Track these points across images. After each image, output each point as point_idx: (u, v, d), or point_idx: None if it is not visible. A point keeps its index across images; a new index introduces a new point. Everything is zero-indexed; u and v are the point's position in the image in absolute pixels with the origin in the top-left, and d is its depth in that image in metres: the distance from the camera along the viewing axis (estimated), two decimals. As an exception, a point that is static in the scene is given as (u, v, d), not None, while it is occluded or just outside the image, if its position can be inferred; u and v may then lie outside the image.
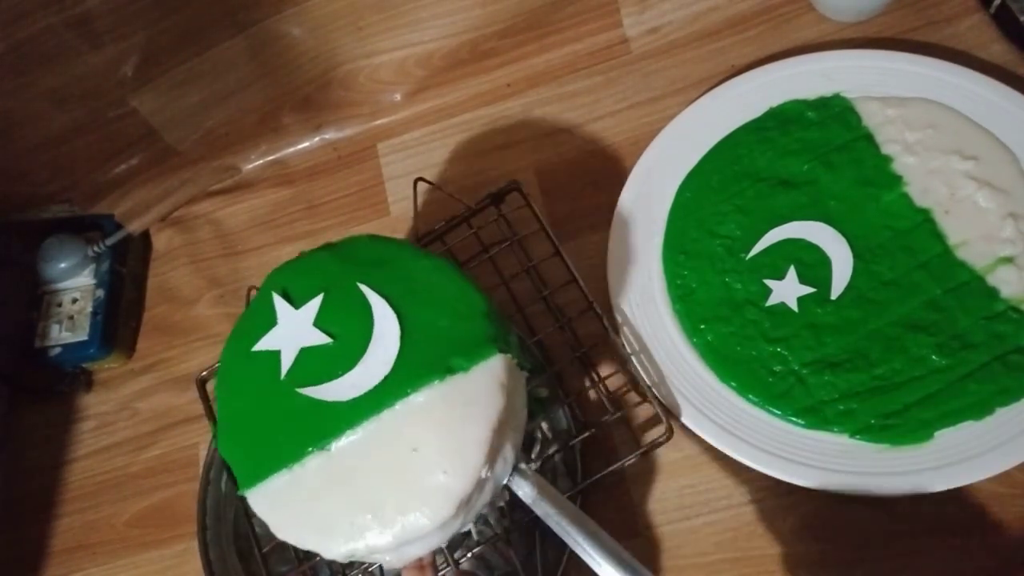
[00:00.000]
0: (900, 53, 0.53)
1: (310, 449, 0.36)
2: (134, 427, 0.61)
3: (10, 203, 0.65)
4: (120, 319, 0.62)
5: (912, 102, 0.52)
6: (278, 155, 0.67)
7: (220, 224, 0.66)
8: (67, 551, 0.58)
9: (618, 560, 0.36)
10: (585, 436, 0.47)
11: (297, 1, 0.59)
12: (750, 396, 0.47)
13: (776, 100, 0.54)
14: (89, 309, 0.61)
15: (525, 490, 0.38)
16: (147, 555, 0.56)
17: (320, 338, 0.39)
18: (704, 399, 0.47)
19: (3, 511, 0.60)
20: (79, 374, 0.62)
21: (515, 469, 0.38)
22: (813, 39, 0.58)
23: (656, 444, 0.45)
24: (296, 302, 0.40)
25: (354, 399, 0.37)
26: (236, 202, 0.67)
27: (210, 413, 0.52)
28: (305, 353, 0.39)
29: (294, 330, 0.39)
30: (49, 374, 0.61)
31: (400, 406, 0.36)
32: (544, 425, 0.50)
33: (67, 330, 0.60)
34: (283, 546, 0.47)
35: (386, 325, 0.38)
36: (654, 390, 0.47)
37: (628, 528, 0.48)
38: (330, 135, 0.66)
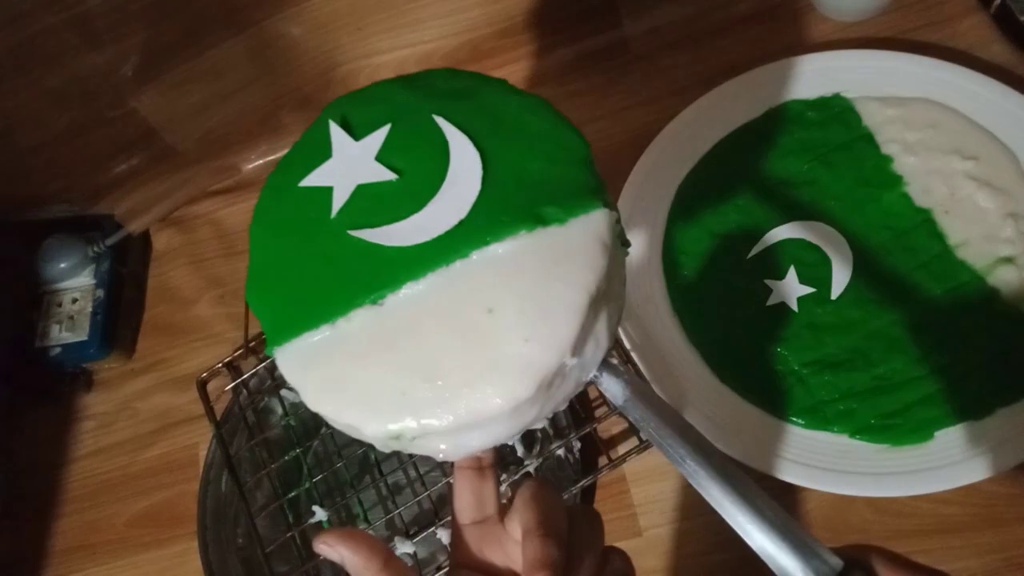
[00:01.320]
0: (900, 53, 0.53)
1: (359, 302, 0.30)
2: (134, 427, 0.61)
3: (10, 203, 0.65)
4: (120, 319, 0.62)
5: (912, 102, 0.52)
6: (278, 155, 0.67)
7: (220, 224, 0.66)
8: (67, 551, 0.58)
9: (737, 487, 0.29)
10: (585, 433, 0.47)
11: (297, 1, 0.59)
12: (750, 396, 0.47)
13: (776, 100, 0.54)
14: (89, 309, 0.61)
15: (615, 389, 0.31)
16: (147, 555, 0.56)
17: (383, 173, 0.32)
18: (704, 399, 0.47)
19: (3, 511, 0.60)
20: (79, 374, 0.62)
21: (604, 362, 0.31)
22: (813, 39, 0.58)
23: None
24: (357, 133, 0.34)
25: (419, 244, 0.30)
26: (236, 202, 0.67)
27: (211, 413, 0.52)
28: (362, 190, 0.32)
29: (352, 164, 0.33)
30: (49, 374, 0.61)
31: (477, 256, 0.30)
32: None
33: (67, 330, 0.60)
34: (285, 546, 0.48)
35: (465, 162, 0.32)
36: (655, 387, 0.47)
37: (628, 528, 0.48)
38: (330, 135, 0.66)
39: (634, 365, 0.48)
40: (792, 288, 0.49)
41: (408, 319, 0.30)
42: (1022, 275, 0.46)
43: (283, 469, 0.50)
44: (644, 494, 0.49)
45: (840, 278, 0.48)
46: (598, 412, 0.51)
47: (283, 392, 0.53)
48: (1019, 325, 0.45)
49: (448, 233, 0.30)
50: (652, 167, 0.55)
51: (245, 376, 0.54)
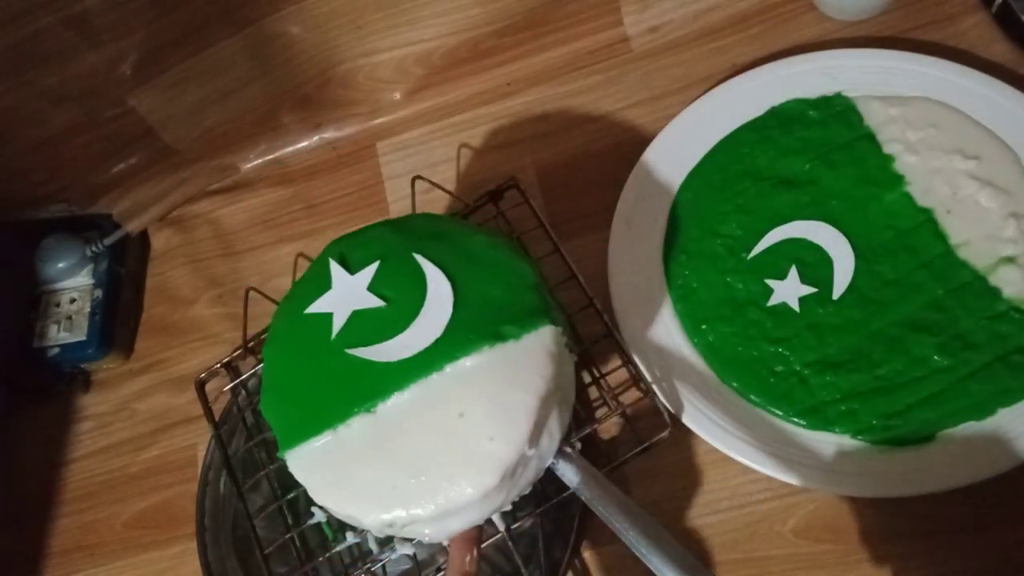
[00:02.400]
0: (902, 52, 0.53)
1: (355, 410, 0.36)
2: (132, 427, 0.60)
3: (8, 203, 0.64)
4: (118, 319, 0.62)
5: (914, 101, 0.52)
6: (277, 154, 0.67)
7: (219, 224, 0.66)
8: (65, 552, 0.58)
9: (670, 555, 0.35)
10: (585, 434, 0.47)
11: (296, 0, 0.59)
12: (751, 397, 0.47)
13: (777, 99, 0.54)
14: (87, 309, 0.61)
15: (569, 474, 0.38)
16: (146, 556, 0.56)
17: (373, 301, 0.39)
18: (705, 399, 0.47)
19: (1, 511, 0.59)
20: (77, 374, 0.62)
21: (559, 450, 0.38)
22: (815, 38, 0.57)
23: (657, 444, 0.45)
24: (352, 268, 0.40)
25: (403, 360, 0.36)
26: (235, 201, 0.66)
27: (209, 414, 0.52)
28: (357, 316, 0.39)
29: (348, 294, 0.39)
30: (47, 374, 0.61)
31: (450, 369, 0.36)
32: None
33: (65, 330, 0.60)
34: (284, 547, 0.47)
35: (439, 291, 0.38)
36: (655, 389, 0.47)
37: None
38: (329, 134, 0.66)
39: (634, 365, 0.48)
40: (793, 288, 0.49)
41: (396, 424, 0.36)
42: (1024, 275, 0.46)
43: (282, 470, 0.49)
44: (644, 495, 0.48)
45: (842, 278, 0.48)
46: (598, 413, 0.51)
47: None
48: (1021, 325, 0.45)
49: (427, 350, 0.36)
50: (652, 167, 0.54)
51: (244, 376, 0.54)
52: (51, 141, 0.61)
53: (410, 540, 0.44)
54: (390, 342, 0.37)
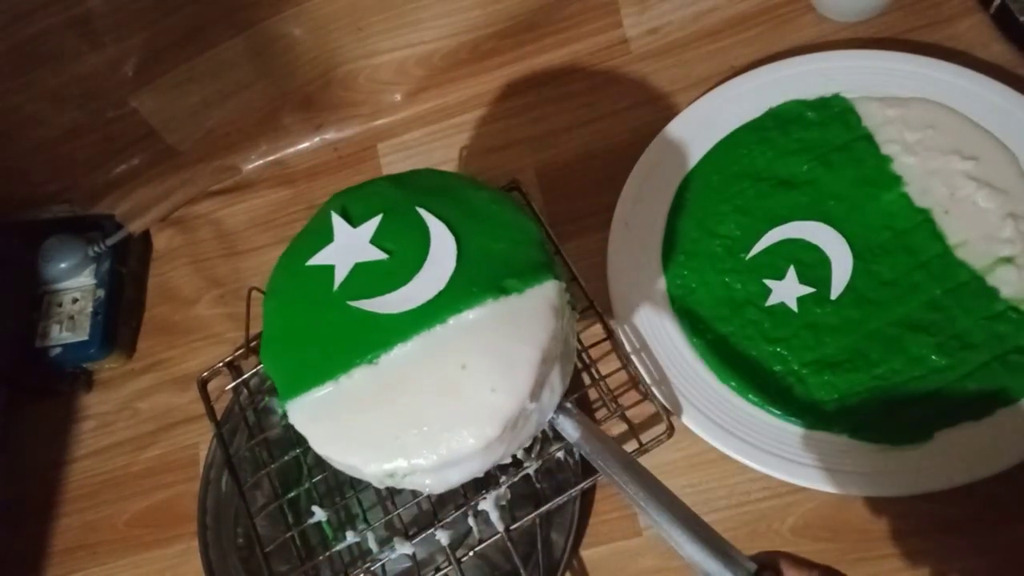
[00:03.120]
0: (900, 53, 0.53)
1: (357, 361, 0.36)
2: (134, 427, 0.61)
3: (10, 203, 0.65)
4: (120, 319, 0.62)
5: (912, 102, 0.52)
6: (278, 155, 0.67)
7: (220, 224, 0.66)
8: (67, 551, 0.58)
9: (669, 506, 0.34)
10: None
11: (297, 1, 0.59)
12: (750, 396, 0.47)
13: (776, 100, 0.54)
14: (89, 309, 0.61)
15: (568, 428, 0.38)
16: (147, 555, 0.56)
17: (376, 254, 0.39)
18: (704, 399, 0.47)
19: (3, 511, 0.60)
20: (79, 374, 0.62)
21: (560, 405, 0.38)
22: (813, 39, 0.58)
23: (656, 443, 0.45)
24: (354, 222, 0.40)
25: (406, 312, 0.36)
26: (236, 202, 0.67)
27: (211, 413, 0.52)
28: (359, 268, 0.38)
29: (350, 246, 0.39)
30: (49, 374, 0.61)
31: (453, 321, 0.36)
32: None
33: (67, 330, 0.60)
34: (285, 546, 0.48)
35: (443, 244, 0.38)
36: (654, 389, 0.47)
37: (628, 528, 0.48)
38: (330, 135, 0.66)
39: (634, 365, 0.48)
40: (792, 288, 0.49)
41: (399, 375, 0.36)
42: (1022, 275, 0.46)
43: (283, 469, 0.50)
44: (644, 494, 0.48)
45: (840, 278, 0.48)
46: (598, 415, 0.51)
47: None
48: (1019, 325, 0.45)
49: (430, 302, 0.37)
50: (652, 167, 0.55)
51: (245, 376, 0.54)
52: (53, 142, 0.62)
53: (409, 539, 0.44)
54: (393, 294, 0.37)
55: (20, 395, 0.62)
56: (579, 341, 0.50)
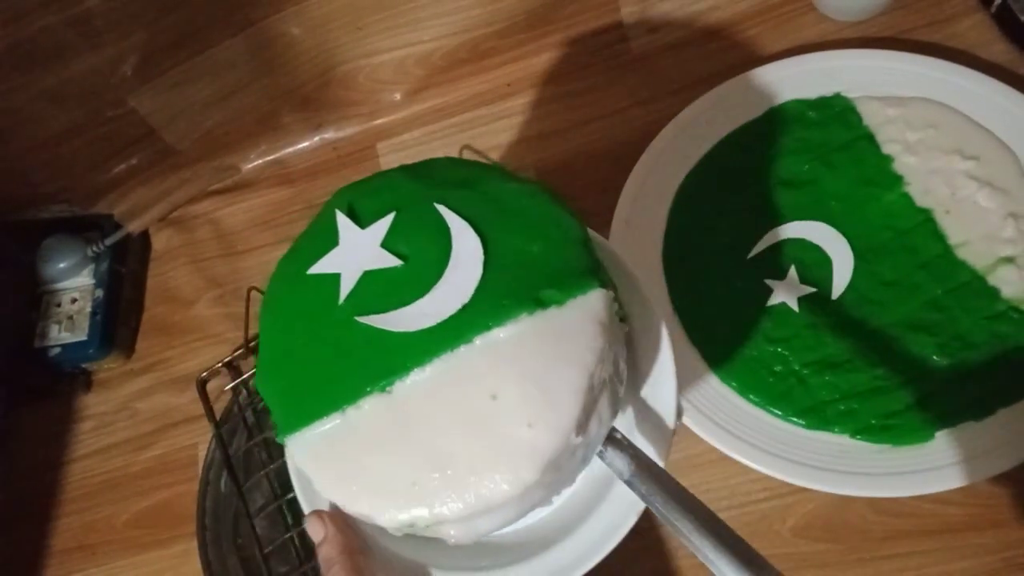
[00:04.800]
0: (901, 53, 0.53)
1: (368, 389, 0.30)
2: (133, 427, 0.60)
3: (9, 203, 0.64)
4: (119, 319, 0.62)
5: (913, 102, 0.52)
6: (278, 155, 0.67)
7: (219, 224, 0.66)
8: (66, 551, 0.58)
9: (739, 558, 0.28)
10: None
11: (296, 1, 0.59)
12: (751, 396, 0.47)
13: (777, 100, 0.54)
14: (88, 309, 0.61)
15: (619, 464, 0.31)
16: (147, 555, 0.56)
17: (388, 260, 0.33)
18: (705, 399, 0.47)
19: (2, 511, 0.60)
20: (78, 374, 0.62)
21: (609, 437, 0.32)
22: (814, 39, 0.57)
23: (656, 444, 0.45)
24: (362, 221, 0.34)
25: (424, 330, 0.30)
26: (235, 202, 0.66)
27: (210, 413, 0.52)
28: (369, 277, 0.33)
29: (358, 251, 0.33)
30: (48, 374, 0.61)
31: (479, 341, 0.30)
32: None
33: (66, 330, 0.60)
34: (284, 547, 0.47)
35: (467, 248, 0.32)
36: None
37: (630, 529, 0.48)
38: (330, 134, 0.66)
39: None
40: (793, 288, 0.49)
41: (416, 406, 0.30)
42: (1023, 275, 0.46)
43: (282, 469, 0.50)
44: (644, 494, 0.48)
45: (841, 278, 0.48)
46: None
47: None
48: (1020, 325, 0.45)
49: (452, 318, 0.30)
50: (652, 167, 0.54)
51: (245, 376, 0.54)
52: (52, 141, 0.62)
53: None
54: (408, 308, 0.31)
55: (19, 395, 0.62)
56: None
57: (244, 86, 0.63)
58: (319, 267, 0.34)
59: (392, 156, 0.64)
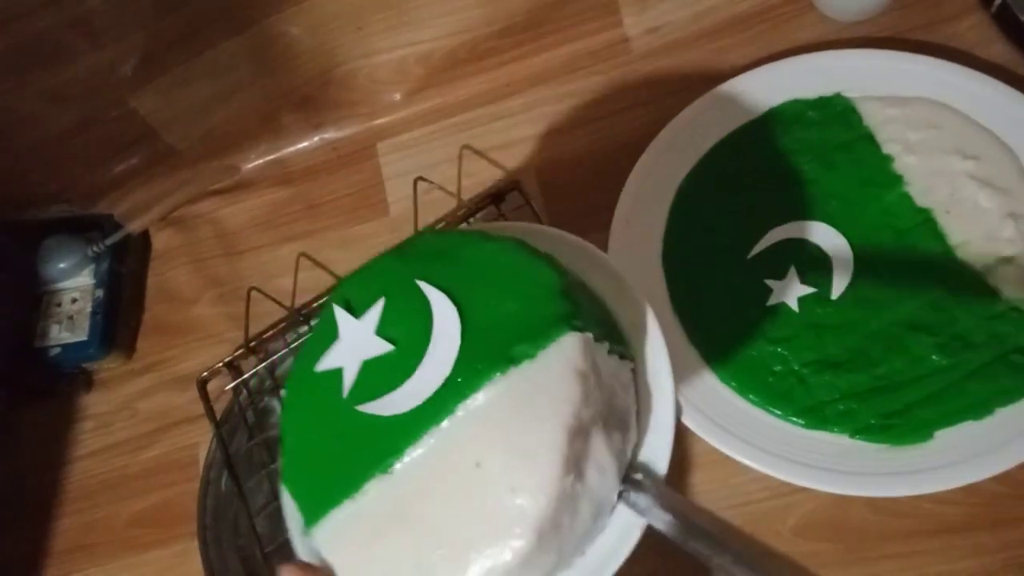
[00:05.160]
0: (901, 53, 0.53)
1: (371, 473, 0.31)
2: (134, 427, 0.60)
3: (9, 203, 0.64)
4: (120, 319, 0.62)
5: (913, 102, 0.52)
6: (278, 155, 0.67)
7: (220, 224, 0.66)
8: (66, 551, 0.58)
9: None
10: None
11: (296, 1, 0.59)
12: (751, 396, 0.47)
13: (776, 100, 0.54)
14: (89, 309, 0.61)
15: (641, 504, 0.30)
16: (147, 555, 0.56)
17: (382, 347, 0.33)
18: (705, 399, 0.47)
19: (2, 511, 0.60)
20: (79, 374, 0.62)
21: (630, 480, 0.31)
22: (814, 39, 0.57)
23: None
24: (357, 312, 0.35)
25: (413, 410, 0.31)
26: (236, 202, 0.66)
27: (210, 413, 0.52)
28: (368, 366, 0.34)
29: (356, 342, 0.34)
30: (49, 374, 0.61)
31: (462, 411, 0.30)
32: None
33: (67, 330, 0.60)
34: (285, 546, 0.47)
35: (445, 319, 0.32)
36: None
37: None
38: (330, 134, 0.66)
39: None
40: (792, 288, 0.49)
41: (415, 485, 0.30)
42: (1023, 275, 0.46)
43: (283, 469, 0.50)
44: (644, 494, 0.48)
45: (841, 278, 0.48)
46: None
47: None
48: (1020, 325, 0.45)
49: (436, 393, 0.31)
50: (652, 167, 0.54)
51: (245, 376, 0.54)
52: (53, 141, 0.62)
53: None
54: (399, 390, 0.32)
55: (19, 395, 0.62)
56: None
57: (244, 86, 0.63)
58: (325, 363, 0.35)
59: (392, 156, 0.64)
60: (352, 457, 0.32)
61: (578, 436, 0.29)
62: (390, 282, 0.35)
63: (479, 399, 0.30)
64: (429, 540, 0.29)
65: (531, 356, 0.30)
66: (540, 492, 0.28)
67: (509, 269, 0.34)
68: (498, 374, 0.30)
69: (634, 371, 0.35)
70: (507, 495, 0.28)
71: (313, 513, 0.32)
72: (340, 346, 0.35)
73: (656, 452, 0.33)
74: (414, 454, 0.30)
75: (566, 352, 0.30)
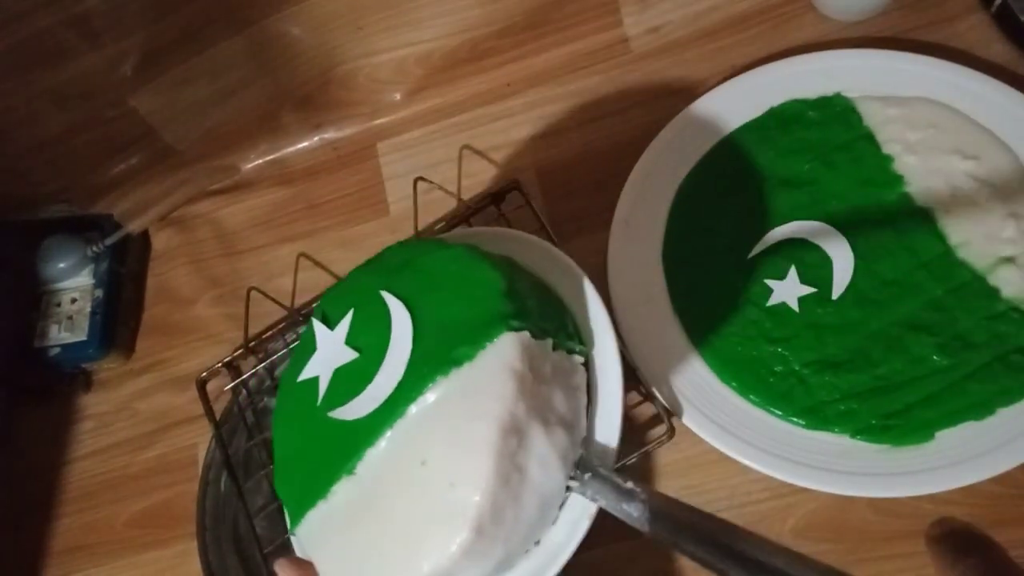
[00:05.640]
0: (901, 52, 0.53)
1: (337, 475, 0.33)
2: (133, 427, 0.60)
3: (9, 203, 0.64)
4: (119, 319, 0.62)
5: (913, 102, 0.52)
6: (277, 155, 0.67)
7: (219, 224, 0.66)
8: (66, 552, 0.58)
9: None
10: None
11: (296, 1, 0.59)
12: (751, 396, 0.47)
13: (777, 100, 0.54)
14: (88, 309, 0.61)
15: (605, 500, 0.31)
16: (146, 556, 0.56)
17: (349, 355, 0.36)
18: (705, 399, 0.47)
19: (2, 511, 0.60)
20: (78, 374, 0.62)
21: (580, 471, 0.32)
22: (814, 39, 0.57)
23: (657, 444, 0.45)
24: (332, 323, 0.38)
25: (371, 413, 0.33)
26: (235, 202, 0.66)
27: (210, 413, 0.52)
28: (338, 373, 0.36)
29: (330, 352, 0.37)
30: (48, 374, 0.61)
31: (413, 411, 0.32)
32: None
33: (66, 330, 0.60)
34: (284, 547, 0.47)
35: (401, 326, 0.35)
36: (655, 390, 0.47)
37: (628, 528, 0.48)
38: (330, 134, 0.66)
39: (634, 368, 0.48)
40: (793, 288, 0.49)
41: (376, 483, 0.32)
42: (1023, 275, 0.46)
43: (282, 469, 0.50)
44: (644, 494, 0.48)
45: (841, 278, 0.48)
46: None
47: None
48: (1020, 325, 0.45)
49: (390, 396, 0.33)
50: (652, 167, 0.54)
51: (245, 376, 0.54)
52: (52, 141, 0.62)
53: None
54: (362, 395, 0.34)
55: (18, 395, 0.62)
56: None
57: (244, 86, 0.63)
58: (305, 373, 0.37)
59: (392, 156, 0.64)
60: (323, 461, 0.34)
61: (512, 432, 0.30)
62: (359, 294, 0.38)
63: (428, 399, 0.32)
64: (388, 536, 0.31)
65: (470, 357, 0.32)
66: (475, 486, 0.29)
67: (457, 274, 0.36)
68: (440, 376, 0.32)
69: (586, 365, 0.36)
70: (448, 490, 0.30)
71: (295, 515, 0.35)
72: (318, 356, 0.37)
73: (607, 440, 0.35)
74: (374, 454, 0.33)
75: (502, 352, 0.32)
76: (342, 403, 0.34)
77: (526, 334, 0.33)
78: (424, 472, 0.31)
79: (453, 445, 0.31)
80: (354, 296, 0.38)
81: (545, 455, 0.31)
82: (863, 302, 0.47)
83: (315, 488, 0.34)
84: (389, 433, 0.32)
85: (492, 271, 0.35)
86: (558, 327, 0.35)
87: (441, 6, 0.61)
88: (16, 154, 0.62)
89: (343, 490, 0.33)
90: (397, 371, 0.33)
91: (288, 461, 0.37)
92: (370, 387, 0.34)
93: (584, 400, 0.35)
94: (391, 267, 0.38)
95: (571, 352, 0.35)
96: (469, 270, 0.36)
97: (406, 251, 0.40)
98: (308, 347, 0.38)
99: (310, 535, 0.34)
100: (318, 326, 0.38)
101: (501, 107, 0.63)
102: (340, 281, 0.41)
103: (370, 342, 0.35)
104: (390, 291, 0.36)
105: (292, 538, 0.37)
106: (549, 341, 0.34)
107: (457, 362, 0.32)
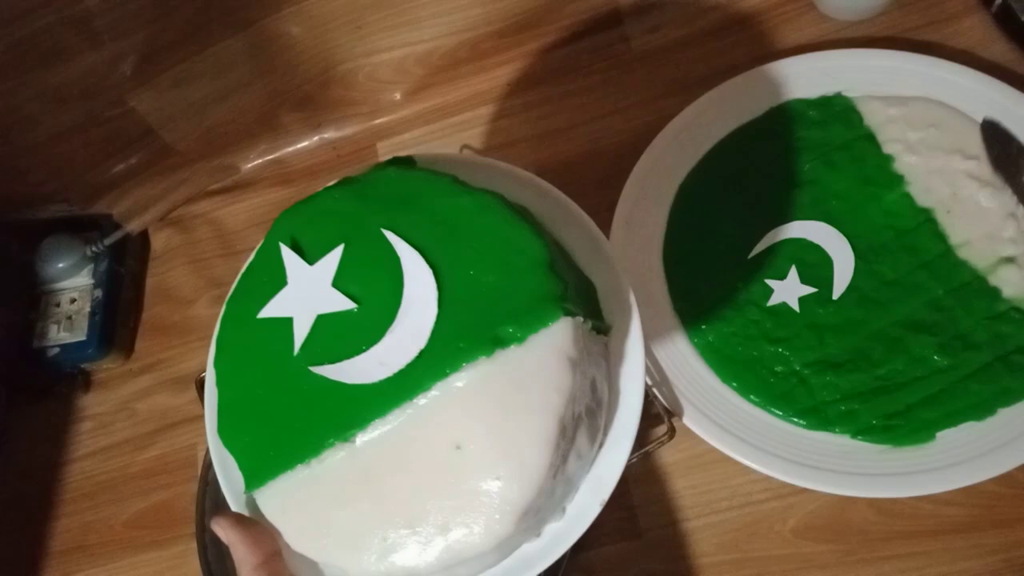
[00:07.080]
0: (901, 52, 0.53)
1: (330, 441, 0.29)
2: (132, 428, 0.60)
3: (8, 203, 0.64)
4: (118, 319, 0.62)
5: (914, 101, 0.52)
6: (277, 154, 0.67)
7: (219, 223, 0.66)
8: (65, 552, 0.58)
9: None
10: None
11: (296, 0, 0.59)
12: (752, 397, 0.47)
13: (777, 99, 0.54)
14: (87, 309, 0.61)
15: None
16: (146, 556, 0.56)
17: (341, 303, 0.31)
18: (705, 400, 0.47)
19: (2, 511, 0.59)
20: (77, 374, 0.62)
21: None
22: (814, 38, 0.57)
23: (658, 444, 0.45)
24: (309, 256, 0.32)
25: (382, 381, 0.29)
26: (235, 201, 0.66)
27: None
28: (322, 321, 0.31)
29: (309, 292, 0.31)
30: (47, 374, 0.61)
31: (438, 390, 0.29)
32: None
33: (65, 330, 0.60)
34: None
35: (419, 284, 0.30)
36: (655, 390, 0.47)
37: (627, 529, 0.48)
38: (329, 134, 0.66)
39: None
40: (793, 288, 0.49)
41: (381, 458, 0.29)
42: (1024, 275, 0.46)
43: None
44: (644, 495, 0.48)
45: (842, 278, 0.48)
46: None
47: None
48: (1021, 325, 0.45)
49: (409, 366, 0.29)
50: (652, 167, 0.54)
51: (244, 376, 0.53)
52: (51, 141, 0.62)
53: None
54: (363, 356, 0.30)
55: (18, 396, 0.62)
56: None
57: (244, 85, 0.63)
58: (270, 310, 0.32)
59: (392, 155, 0.64)
60: (307, 421, 0.30)
61: (567, 427, 0.28)
62: (351, 226, 0.32)
63: (460, 379, 0.29)
64: (398, 516, 0.28)
65: (519, 340, 0.29)
66: (528, 483, 0.27)
67: (489, 230, 0.31)
68: (482, 356, 0.28)
69: (606, 344, 0.33)
70: (491, 481, 0.27)
71: (258, 475, 0.30)
72: (289, 292, 0.32)
73: (626, 427, 0.32)
74: (382, 427, 0.29)
75: (557, 339, 0.29)
76: (332, 359, 0.30)
77: (580, 319, 0.30)
78: (458, 457, 0.28)
79: (503, 435, 0.28)
80: (341, 227, 0.32)
81: (583, 447, 0.30)
82: (864, 302, 0.47)
83: (295, 448, 0.30)
84: (407, 407, 0.29)
85: (532, 237, 0.31)
86: (588, 302, 0.32)
87: (441, 6, 0.61)
88: (15, 154, 0.62)
89: (335, 458, 0.30)
90: (418, 338, 0.29)
91: (245, 410, 0.32)
92: (377, 348, 0.30)
93: (606, 380, 0.32)
94: (390, 200, 0.33)
95: (599, 332, 0.32)
96: (503, 230, 0.31)
97: (409, 182, 0.34)
98: (271, 276, 0.33)
99: (282, 499, 0.30)
100: (290, 256, 0.32)
101: (501, 106, 0.63)
102: (310, 200, 0.34)
103: (371, 293, 0.31)
104: (396, 233, 0.31)
105: (231, 493, 0.33)
106: (589, 323, 0.31)
107: (502, 343, 0.28)
